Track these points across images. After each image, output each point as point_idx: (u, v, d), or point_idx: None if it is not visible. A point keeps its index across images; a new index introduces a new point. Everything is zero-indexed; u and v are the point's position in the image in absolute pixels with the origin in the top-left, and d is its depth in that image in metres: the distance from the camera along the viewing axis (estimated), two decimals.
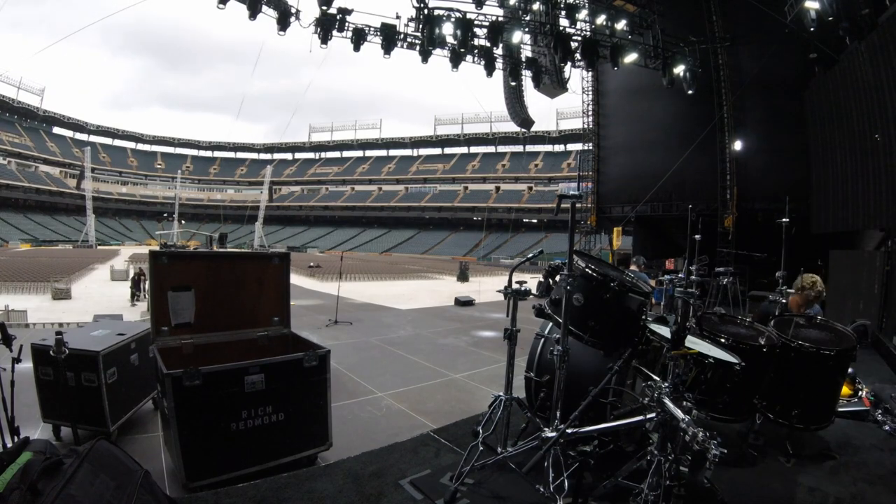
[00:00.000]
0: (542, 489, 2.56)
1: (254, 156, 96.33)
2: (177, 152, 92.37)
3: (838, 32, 11.63)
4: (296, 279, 19.97)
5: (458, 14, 15.04)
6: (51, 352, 3.66)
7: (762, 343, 3.05)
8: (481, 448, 2.92)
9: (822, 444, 3.50)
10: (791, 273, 4.38)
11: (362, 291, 19.12)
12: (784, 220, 4.51)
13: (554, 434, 2.51)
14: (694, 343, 2.73)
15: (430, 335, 9.57)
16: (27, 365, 3.98)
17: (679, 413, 1.99)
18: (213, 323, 4.18)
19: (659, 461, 2.11)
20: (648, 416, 2.15)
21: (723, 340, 3.04)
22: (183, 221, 68.61)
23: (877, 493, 2.87)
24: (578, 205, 2.84)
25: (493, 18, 15.64)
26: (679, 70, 16.84)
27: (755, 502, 2.80)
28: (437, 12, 14.95)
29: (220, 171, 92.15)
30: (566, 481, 2.50)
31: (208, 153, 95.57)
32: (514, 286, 2.94)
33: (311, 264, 28.30)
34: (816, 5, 11.67)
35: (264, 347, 4.37)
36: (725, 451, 1.79)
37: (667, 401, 2.07)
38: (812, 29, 12.48)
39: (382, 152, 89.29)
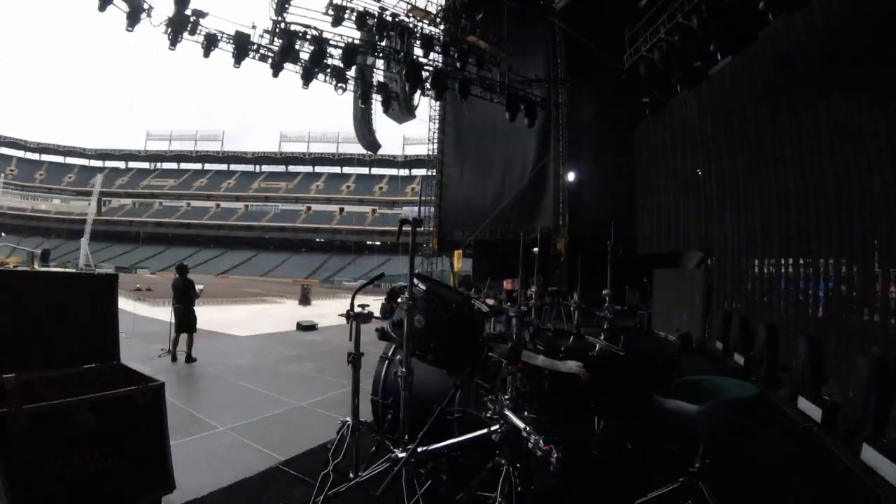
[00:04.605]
0: None
1: (84, 162, 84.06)
2: (1, 152, 78.63)
3: (671, 80, 13.39)
4: (124, 303, 18.10)
5: (314, 32, 14.91)
6: None
7: (594, 353, 3.33)
8: (333, 475, 2.85)
9: (662, 438, 3.76)
10: (617, 290, 4.90)
11: (198, 317, 17.85)
12: (609, 242, 4.99)
13: (404, 454, 2.53)
14: (530, 357, 2.92)
15: (273, 363, 9.21)
16: None
17: (520, 423, 2.11)
18: (35, 355, 3.65)
19: (508, 469, 2.22)
20: (493, 428, 2.25)
21: (557, 353, 3.27)
22: (3, 234, 59.20)
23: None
24: (420, 228, 2.93)
25: (350, 40, 15.73)
26: (521, 106, 18.12)
27: (599, 491, 3.05)
28: (293, 27, 14.71)
29: (47, 178, 79.89)
30: (421, 499, 2.52)
31: (35, 156, 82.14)
32: (357, 309, 2.94)
33: (139, 287, 26.38)
34: (654, 56, 13.26)
35: (92, 382, 3.88)
36: (568, 455, 1.93)
37: (508, 413, 2.19)
38: (644, 75, 14.17)
39: (223, 166, 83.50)
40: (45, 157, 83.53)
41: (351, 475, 2.96)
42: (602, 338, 3.76)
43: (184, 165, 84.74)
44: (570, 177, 20.92)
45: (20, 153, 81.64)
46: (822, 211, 8.52)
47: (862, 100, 7.67)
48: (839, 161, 8.10)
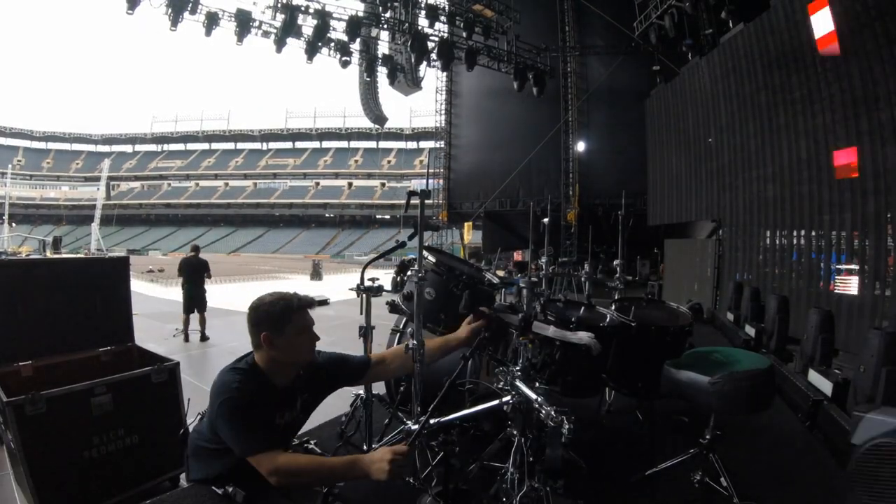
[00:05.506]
0: (412, 481, 2.59)
1: (91, 147, 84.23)
2: (7, 143, 78.53)
3: (681, 48, 13.17)
4: (137, 285, 18.25)
5: (317, 5, 14.75)
6: None
7: (605, 324, 3.31)
8: (347, 448, 2.88)
9: (673, 410, 3.75)
10: (628, 261, 4.88)
11: (210, 295, 18.02)
12: (620, 213, 4.95)
13: (417, 426, 2.55)
14: (541, 328, 2.90)
15: None
16: None
17: (532, 394, 2.11)
18: (51, 341, 3.71)
19: (519, 441, 2.23)
20: (504, 399, 2.25)
21: (568, 324, 3.26)
22: (13, 224, 59.56)
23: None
24: (428, 201, 2.92)
25: (353, 13, 15.53)
26: (529, 75, 17.87)
27: (609, 461, 3.07)
28: (295, 1, 14.54)
29: (54, 165, 79.88)
30: (434, 470, 2.54)
31: (41, 144, 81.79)
32: (367, 283, 2.93)
33: (151, 269, 26.60)
34: (664, 23, 13.02)
35: (108, 364, 3.94)
36: (579, 425, 1.93)
37: (519, 383, 2.19)
38: (654, 43, 13.93)
39: (230, 145, 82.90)
40: (52, 145, 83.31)
41: (364, 448, 3.00)
42: (613, 308, 3.74)
43: (191, 146, 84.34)
44: (580, 147, 20.75)
45: (26, 143, 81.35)
46: (834, 183, 8.41)
47: (876, 70, 7.51)
48: (853, 132, 7.96)
